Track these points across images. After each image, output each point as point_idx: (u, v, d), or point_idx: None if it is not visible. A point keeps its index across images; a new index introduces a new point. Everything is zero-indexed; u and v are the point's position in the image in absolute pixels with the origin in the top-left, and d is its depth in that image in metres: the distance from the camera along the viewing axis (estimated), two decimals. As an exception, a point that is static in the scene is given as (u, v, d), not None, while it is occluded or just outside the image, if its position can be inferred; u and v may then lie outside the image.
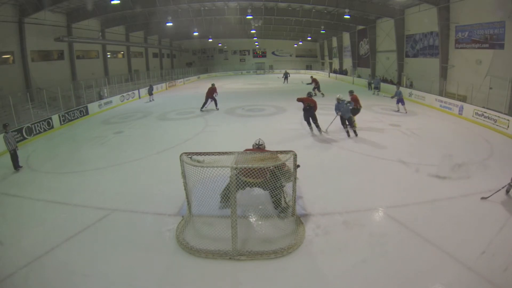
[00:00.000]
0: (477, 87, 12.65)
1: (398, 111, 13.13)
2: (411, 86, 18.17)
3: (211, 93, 14.20)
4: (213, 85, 14.79)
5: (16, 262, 3.83)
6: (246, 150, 5.13)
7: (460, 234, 4.16)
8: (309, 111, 9.50)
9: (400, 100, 12.97)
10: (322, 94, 17.92)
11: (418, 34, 18.35)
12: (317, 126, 9.57)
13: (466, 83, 13.26)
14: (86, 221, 4.76)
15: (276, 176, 4.33)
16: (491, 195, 5.13)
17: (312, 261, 3.72)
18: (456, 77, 14.58)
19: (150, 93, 19.52)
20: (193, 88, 24.10)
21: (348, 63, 31.44)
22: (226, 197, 4.33)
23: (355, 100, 9.83)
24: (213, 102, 14.39)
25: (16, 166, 7.47)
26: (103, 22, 21.93)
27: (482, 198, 5.19)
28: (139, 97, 20.63)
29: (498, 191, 5.12)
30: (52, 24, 16.94)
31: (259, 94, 20.36)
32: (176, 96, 21.46)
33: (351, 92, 10.51)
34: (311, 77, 19.69)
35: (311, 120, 9.65)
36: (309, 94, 10.08)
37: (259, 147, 5.13)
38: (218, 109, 14.35)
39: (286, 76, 27.99)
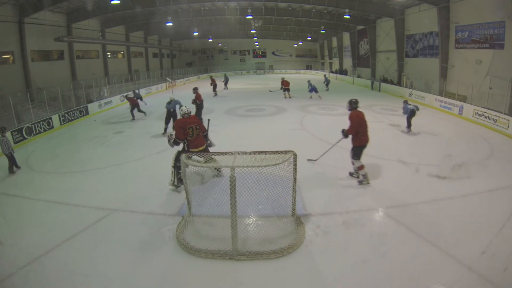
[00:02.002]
0: (477, 87, 12.66)
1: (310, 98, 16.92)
2: (411, 86, 18.19)
3: (133, 101, 13.02)
4: (127, 95, 13.78)
5: (16, 262, 3.82)
6: (180, 120, 5.56)
7: (460, 234, 4.16)
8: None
9: (314, 89, 17.21)
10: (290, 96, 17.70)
11: (418, 34, 18.36)
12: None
13: (466, 83, 13.26)
14: (86, 221, 4.76)
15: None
16: (317, 158, 5.88)
17: (312, 261, 3.72)
18: (456, 77, 14.59)
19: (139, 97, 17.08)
20: (223, 89, 23.87)
21: (348, 63, 31.45)
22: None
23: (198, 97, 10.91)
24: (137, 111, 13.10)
25: (11, 169, 7.23)
26: (103, 22, 21.93)
27: (309, 159, 5.96)
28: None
29: (323, 154, 5.87)
30: (52, 24, 16.95)
31: (259, 94, 20.36)
32: (175, 96, 21.40)
33: (195, 90, 11.29)
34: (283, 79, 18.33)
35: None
36: (195, 90, 11.09)
37: (190, 115, 5.57)
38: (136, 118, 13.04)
39: (226, 80, 23.89)
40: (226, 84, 23.77)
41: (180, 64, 40.81)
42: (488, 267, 3.47)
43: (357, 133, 5.59)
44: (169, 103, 10.35)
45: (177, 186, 5.71)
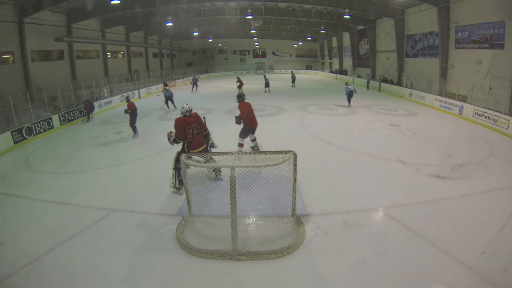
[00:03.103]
0: (477, 87, 12.66)
1: (265, 92, 20.36)
2: (411, 86, 18.19)
3: (90, 107, 14.06)
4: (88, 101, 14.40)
5: (16, 262, 3.82)
6: (181, 118, 5.24)
7: (460, 234, 4.16)
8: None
9: (267, 84, 20.73)
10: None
11: (418, 34, 18.36)
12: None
13: (466, 83, 13.26)
14: (86, 221, 4.76)
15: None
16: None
17: (312, 261, 3.72)
18: (456, 77, 14.59)
19: (90, 109, 14.26)
20: (192, 91, 24.10)
21: (348, 63, 31.45)
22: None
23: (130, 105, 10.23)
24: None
25: None
26: (103, 22, 21.93)
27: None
28: (139, 97, 20.64)
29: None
30: (52, 24, 16.95)
31: (259, 94, 20.35)
32: (176, 96, 21.41)
33: (127, 99, 11.03)
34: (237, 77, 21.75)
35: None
36: (127, 99, 10.95)
37: (191, 114, 5.35)
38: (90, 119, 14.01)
39: (194, 82, 23.84)
40: (194, 85, 23.66)
41: (180, 64, 40.79)
42: (488, 267, 3.47)
43: (247, 119, 6.86)
44: (167, 90, 15.50)
45: (178, 189, 5.56)
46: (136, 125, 10.28)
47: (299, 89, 22.43)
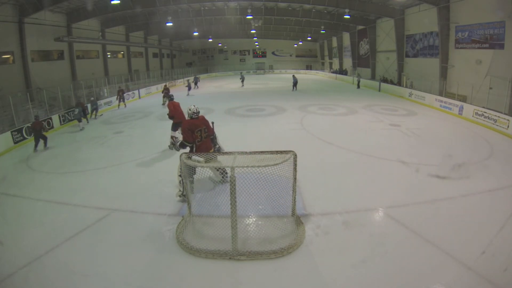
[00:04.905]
0: (477, 87, 12.66)
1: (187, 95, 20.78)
2: (411, 86, 18.19)
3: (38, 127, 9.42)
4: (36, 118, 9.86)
5: (16, 262, 3.82)
6: (188, 121, 5.13)
7: (460, 234, 4.16)
8: None
9: (189, 87, 21.93)
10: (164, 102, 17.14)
11: (418, 34, 18.37)
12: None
13: (466, 83, 13.26)
14: (86, 221, 4.76)
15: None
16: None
17: (312, 261, 3.72)
18: (456, 77, 14.59)
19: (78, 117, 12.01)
20: (193, 88, 24.13)
21: (348, 63, 31.46)
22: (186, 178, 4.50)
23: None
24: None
25: None
26: (103, 22, 21.94)
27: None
28: (139, 97, 20.65)
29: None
30: (52, 24, 16.96)
31: (259, 94, 20.36)
32: (176, 96, 21.40)
33: (36, 117, 10.08)
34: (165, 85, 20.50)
35: None
36: (36, 117, 9.80)
37: (198, 116, 5.20)
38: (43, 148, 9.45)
39: (195, 81, 25.43)
40: (195, 84, 25.19)
41: (180, 64, 40.81)
42: (488, 267, 3.47)
43: (175, 116, 8.03)
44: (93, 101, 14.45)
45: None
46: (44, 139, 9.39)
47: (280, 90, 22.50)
